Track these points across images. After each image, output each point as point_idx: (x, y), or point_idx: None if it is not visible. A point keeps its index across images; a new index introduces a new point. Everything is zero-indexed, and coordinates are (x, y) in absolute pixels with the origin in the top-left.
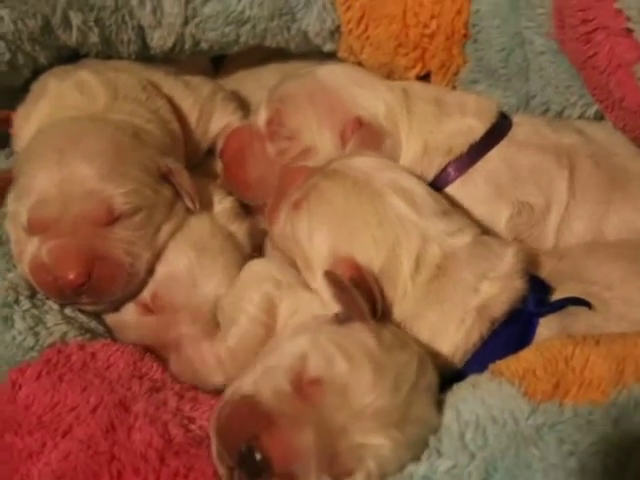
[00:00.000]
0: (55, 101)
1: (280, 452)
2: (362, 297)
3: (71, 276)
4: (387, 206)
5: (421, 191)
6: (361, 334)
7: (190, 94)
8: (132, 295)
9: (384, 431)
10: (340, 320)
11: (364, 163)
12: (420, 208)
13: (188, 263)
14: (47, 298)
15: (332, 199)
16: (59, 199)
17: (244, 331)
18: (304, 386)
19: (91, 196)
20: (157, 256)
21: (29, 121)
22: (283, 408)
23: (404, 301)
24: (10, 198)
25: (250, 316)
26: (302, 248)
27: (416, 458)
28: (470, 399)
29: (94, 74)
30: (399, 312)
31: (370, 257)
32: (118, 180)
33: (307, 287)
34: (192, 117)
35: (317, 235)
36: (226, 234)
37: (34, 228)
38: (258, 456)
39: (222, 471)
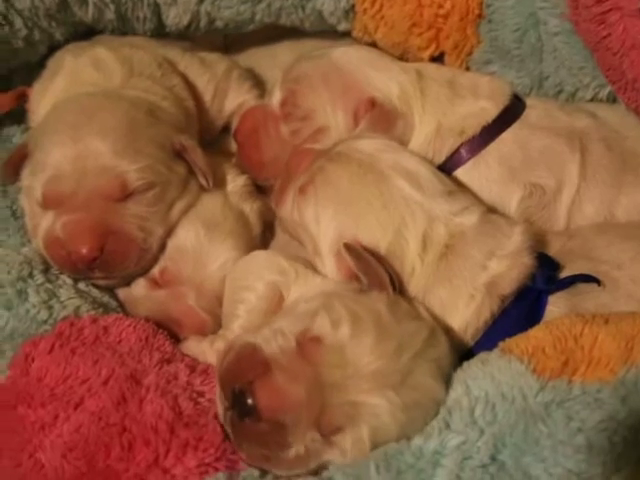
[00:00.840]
0: (71, 77)
1: (269, 400)
2: (382, 267)
3: (84, 250)
4: (392, 188)
5: (425, 172)
6: (375, 301)
7: (205, 71)
8: (145, 270)
9: (379, 391)
10: (362, 289)
11: (369, 145)
12: (425, 189)
13: (197, 239)
14: (61, 273)
15: (337, 182)
16: (73, 174)
17: (246, 324)
18: (305, 343)
19: (105, 172)
20: (169, 232)
21: (45, 97)
22: (282, 360)
23: (413, 279)
24: (25, 173)
25: (250, 307)
26: (310, 233)
27: (415, 426)
28: (480, 375)
29: (110, 50)
30: (409, 290)
31: (376, 239)
32: (132, 156)
33: (315, 274)
34: (207, 95)
35: (323, 219)
36: (238, 213)
37: (48, 203)
38: (249, 400)
39: (220, 410)
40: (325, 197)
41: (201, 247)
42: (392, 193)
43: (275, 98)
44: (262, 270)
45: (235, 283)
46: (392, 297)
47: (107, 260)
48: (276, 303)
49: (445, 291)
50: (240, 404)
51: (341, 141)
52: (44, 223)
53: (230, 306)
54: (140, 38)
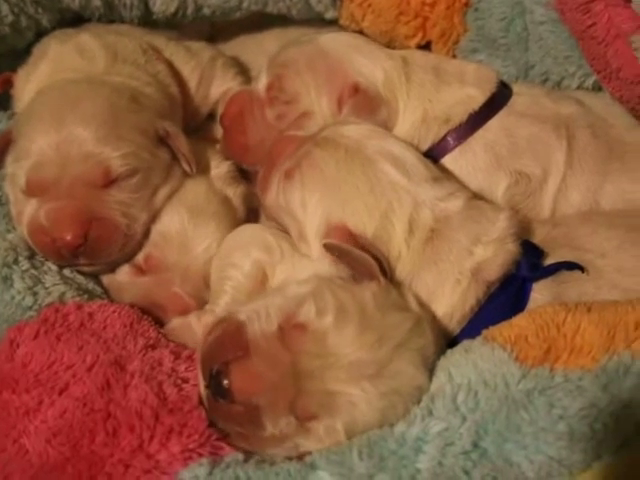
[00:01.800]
0: (55, 63)
1: (243, 383)
2: (368, 255)
3: (68, 237)
4: (379, 173)
5: (412, 158)
6: (363, 291)
7: (191, 59)
8: (129, 256)
9: (356, 382)
10: (354, 277)
11: (355, 131)
12: (411, 174)
13: (181, 224)
14: (46, 259)
15: (324, 167)
16: (57, 161)
17: (232, 300)
18: (288, 328)
19: (88, 158)
20: (153, 218)
21: (29, 83)
22: (262, 344)
23: (399, 264)
24: (9, 160)
25: (237, 284)
26: (295, 218)
27: (396, 413)
28: (463, 363)
29: (95, 37)
30: (395, 275)
31: (363, 223)
32: (115, 143)
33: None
34: (192, 82)
35: (310, 204)
36: (222, 198)
37: (32, 190)
38: (224, 382)
39: (201, 387)
40: (312, 181)
41: (185, 232)
42: (379, 178)
43: (261, 82)
44: (249, 247)
45: (222, 260)
46: (383, 286)
47: (91, 247)
48: (260, 281)
49: (431, 275)
50: (216, 384)
51: (327, 126)
52: (28, 210)
53: (217, 282)
54: (126, 26)
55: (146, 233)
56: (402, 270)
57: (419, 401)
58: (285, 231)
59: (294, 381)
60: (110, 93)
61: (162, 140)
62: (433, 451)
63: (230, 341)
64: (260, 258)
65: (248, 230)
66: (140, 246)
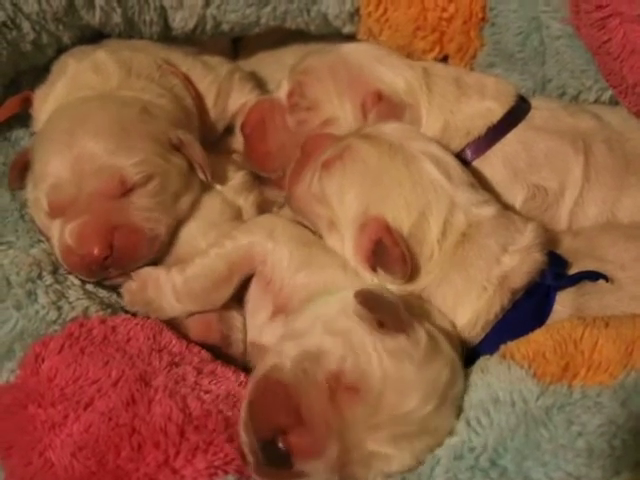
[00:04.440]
0: (71, 82)
1: (303, 453)
2: (398, 309)
3: (95, 252)
4: (421, 170)
5: (452, 161)
6: (397, 345)
7: (208, 73)
8: (158, 259)
9: (396, 442)
10: (378, 322)
11: (397, 130)
12: (452, 177)
13: (195, 239)
14: (69, 273)
15: (367, 159)
16: (73, 180)
17: (208, 263)
18: (340, 390)
19: (102, 171)
20: (179, 222)
21: (46, 102)
22: (315, 409)
23: (430, 264)
24: (29, 186)
25: (222, 252)
26: (330, 206)
27: (423, 459)
28: (480, 384)
29: (110, 54)
30: (424, 275)
31: (401, 219)
32: (126, 152)
33: (318, 246)
34: (210, 96)
35: (349, 193)
36: (235, 210)
37: (54, 212)
38: (282, 450)
39: (245, 440)
40: (353, 172)
41: (199, 248)
42: (421, 175)
43: (282, 90)
44: (254, 227)
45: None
46: (412, 336)
47: (118, 256)
48: (246, 264)
49: (459, 280)
50: (271, 451)
51: (366, 126)
52: (55, 234)
53: (206, 247)
54: (145, 42)
55: (171, 235)
56: (431, 271)
57: None
58: (311, 225)
59: (347, 448)
60: (119, 106)
61: (177, 148)
62: (445, 462)
63: (280, 405)
64: (258, 241)
65: (266, 216)
66: (167, 248)
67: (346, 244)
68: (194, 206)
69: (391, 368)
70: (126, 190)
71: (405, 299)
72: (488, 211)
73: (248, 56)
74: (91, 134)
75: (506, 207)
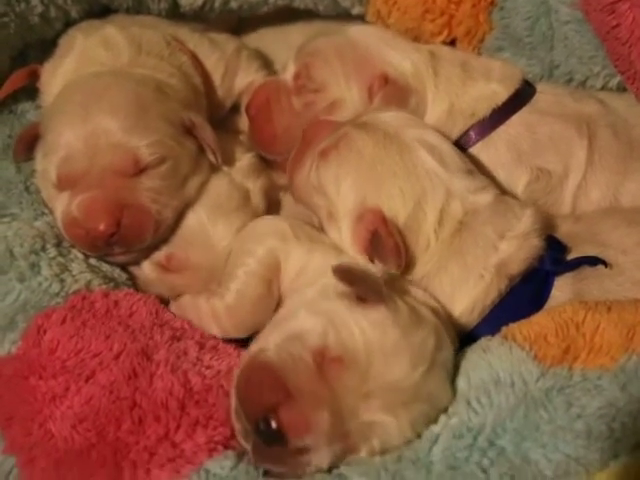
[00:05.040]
0: (80, 57)
1: (295, 427)
2: (376, 280)
3: (101, 227)
4: (416, 159)
5: (448, 148)
6: (378, 315)
7: (215, 51)
8: (161, 242)
9: (392, 409)
10: (357, 297)
11: (394, 118)
12: (447, 164)
13: (202, 224)
14: (72, 246)
15: (362, 149)
16: (85, 153)
17: (243, 286)
18: (326, 363)
19: (117, 148)
20: (186, 206)
21: (55, 76)
22: (302, 384)
23: (427, 254)
24: (39, 157)
25: (250, 270)
26: (328, 196)
27: (422, 429)
28: (480, 364)
29: (119, 30)
30: (421, 265)
31: (397, 209)
32: (142, 132)
33: (320, 242)
34: (216, 73)
35: (345, 183)
36: (243, 193)
37: (63, 184)
38: (274, 428)
39: (238, 427)
40: (348, 162)
41: (206, 231)
42: (416, 165)
43: (289, 71)
44: (264, 235)
45: (239, 246)
46: (392, 306)
47: (124, 234)
48: (275, 270)
49: (457, 268)
50: (265, 431)
51: (365, 112)
52: (60, 204)
53: (231, 267)
54: (151, 18)
55: (178, 220)
56: (429, 260)
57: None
58: (312, 213)
59: (338, 417)
60: (135, 84)
61: (188, 130)
62: (443, 441)
63: (268, 386)
64: (275, 246)
65: (266, 220)
66: (172, 232)
67: (343, 235)
68: (202, 188)
69: (374, 337)
70: (138, 170)
71: (386, 276)
72: (485, 198)
73: (252, 32)
74: (107, 110)
75: (509, 190)
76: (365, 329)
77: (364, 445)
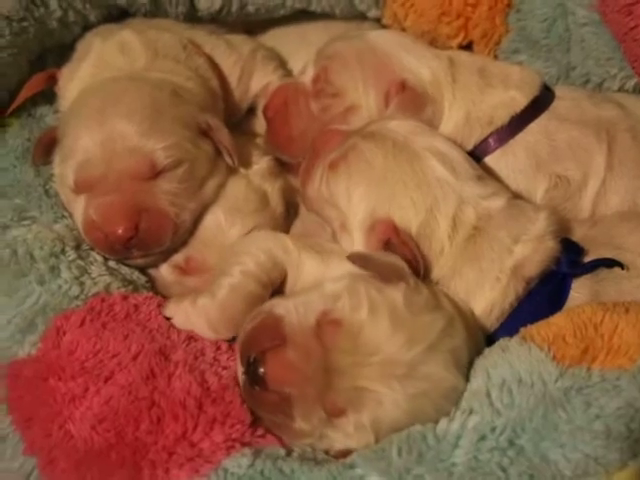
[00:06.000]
0: (98, 62)
1: (277, 372)
2: (396, 257)
3: (120, 231)
4: (426, 168)
5: (457, 156)
6: (392, 291)
7: (232, 53)
8: (180, 245)
9: (385, 381)
10: (385, 279)
11: (402, 126)
12: (457, 172)
13: (219, 226)
14: (91, 249)
15: (371, 159)
16: (103, 157)
17: (236, 283)
18: (325, 323)
19: (134, 152)
20: (204, 208)
21: (72, 81)
22: (298, 337)
23: (441, 260)
24: (56, 162)
25: (246, 270)
26: (339, 208)
27: (426, 414)
28: (500, 363)
29: (136, 34)
30: (436, 271)
31: (408, 218)
32: (158, 135)
33: (331, 252)
34: (233, 76)
35: (355, 195)
36: (261, 195)
37: (81, 188)
38: (260, 369)
39: (239, 373)
40: (358, 173)
41: (224, 234)
42: (426, 173)
43: (307, 75)
44: (267, 242)
45: (238, 249)
46: (412, 286)
47: (143, 237)
48: (272, 276)
49: (472, 272)
50: (252, 371)
51: (373, 121)
52: (79, 208)
53: (225, 265)
54: (167, 21)
55: (196, 222)
56: (443, 266)
57: (457, 401)
58: (325, 223)
59: (325, 375)
60: (151, 88)
61: (204, 133)
62: (467, 445)
63: (268, 331)
64: (278, 255)
65: (269, 232)
66: (190, 234)
67: (356, 245)
68: (219, 191)
69: (381, 309)
70: (155, 173)
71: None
72: (497, 203)
73: (269, 32)
74: (123, 114)
75: (528, 197)
76: (375, 301)
77: (352, 412)
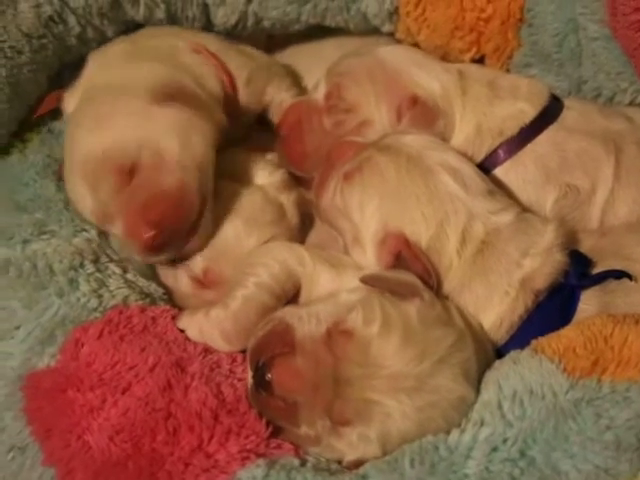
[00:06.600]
0: (87, 81)
1: (284, 379)
2: (409, 275)
3: (143, 240)
4: (438, 183)
5: (469, 171)
6: (406, 306)
7: (239, 56)
8: (198, 251)
9: (393, 394)
10: (396, 293)
11: (416, 141)
12: (468, 187)
13: (236, 237)
14: (110, 262)
15: (385, 173)
16: (96, 204)
17: (250, 294)
18: (336, 333)
19: (100, 169)
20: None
21: (70, 104)
22: (308, 344)
23: (449, 274)
24: None
25: (260, 281)
26: (352, 220)
27: (435, 426)
28: (511, 374)
29: (128, 44)
30: (445, 285)
31: (419, 232)
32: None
33: (345, 266)
34: (240, 77)
35: (368, 207)
36: (277, 207)
37: (102, 226)
38: (267, 374)
39: (248, 377)
40: (372, 186)
41: (241, 244)
42: (438, 188)
43: (320, 91)
44: (283, 253)
45: (252, 259)
46: (427, 301)
47: (165, 227)
48: (286, 289)
49: (481, 286)
50: (259, 376)
51: (388, 134)
52: (109, 229)
53: (239, 276)
54: (177, 28)
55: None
56: (452, 280)
57: (466, 412)
58: (338, 235)
59: (333, 385)
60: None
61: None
62: (480, 456)
63: (278, 338)
64: (293, 267)
65: (285, 244)
66: (206, 212)
67: (368, 258)
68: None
69: (394, 323)
70: (128, 174)
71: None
72: (506, 217)
73: (284, 47)
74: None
75: (537, 207)
76: (389, 314)
77: (359, 424)
